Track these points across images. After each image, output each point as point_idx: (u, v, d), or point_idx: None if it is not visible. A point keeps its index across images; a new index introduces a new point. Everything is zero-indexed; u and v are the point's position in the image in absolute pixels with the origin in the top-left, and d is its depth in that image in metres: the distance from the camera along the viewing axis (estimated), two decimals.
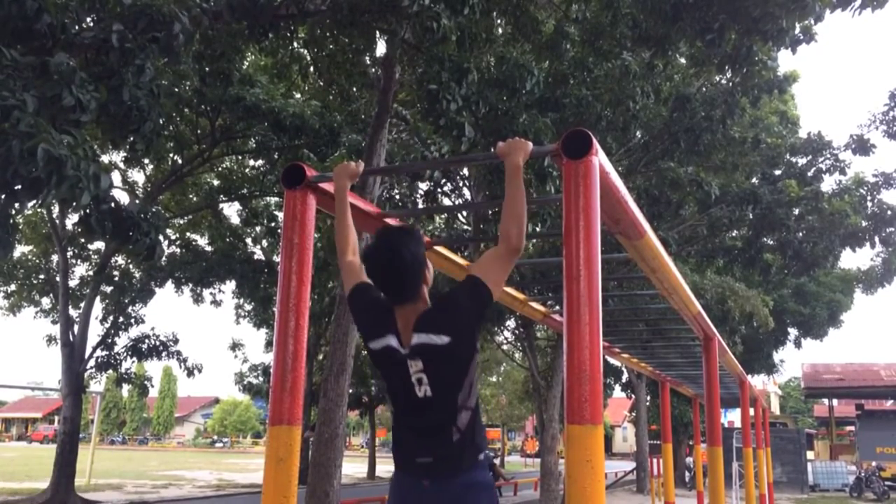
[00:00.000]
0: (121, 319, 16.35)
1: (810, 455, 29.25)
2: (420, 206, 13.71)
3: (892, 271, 18.66)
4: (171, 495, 18.21)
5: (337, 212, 2.56)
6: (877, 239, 14.36)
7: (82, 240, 16.36)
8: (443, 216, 16.53)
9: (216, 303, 19.75)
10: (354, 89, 12.84)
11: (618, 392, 29.13)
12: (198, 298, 19.11)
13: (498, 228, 2.31)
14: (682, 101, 12.31)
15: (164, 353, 16.55)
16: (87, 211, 6.74)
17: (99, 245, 16.47)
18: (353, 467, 31.55)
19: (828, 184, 15.07)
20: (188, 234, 18.95)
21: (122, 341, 16.34)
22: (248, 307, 21.48)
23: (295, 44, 11.40)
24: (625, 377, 25.34)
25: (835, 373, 29.23)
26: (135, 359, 16.66)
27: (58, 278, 16.14)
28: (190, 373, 16.92)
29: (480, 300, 2.24)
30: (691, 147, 12.45)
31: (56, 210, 15.40)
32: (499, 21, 10.97)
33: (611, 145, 11.96)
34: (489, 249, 2.37)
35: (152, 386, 19.35)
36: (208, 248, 18.70)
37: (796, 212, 14.52)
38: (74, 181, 5.17)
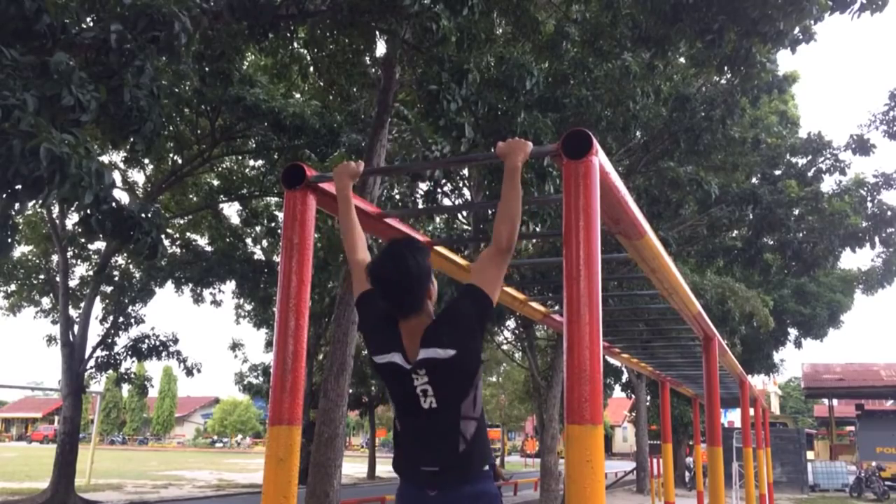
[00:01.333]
0: (121, 319, 16.36)
1: (810, 455, 29.25)
2: (420, 206, 13.71)
3: (892, 272, 18.66)
4: (171, 495, 18.21)
5: (341, 212, 2.56)
6: (877, 239, 14.35)
7: (82, 240, 16.35)
8: (443, 216, 16.54)
9: (216, 303, 19.75)
10: (354, 89, 12.84)
11: (618, 392, 29.13)
12: (198, 298, 19.11)
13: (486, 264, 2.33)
14: (681, 101, 12.31)
15: (163, 353, 16.56)
16: (88, 211, 6.74)
17: (99, 245, 16.48)
18: (353, 467, 31.55)
19: (828, 184, 15.09)
20: (188, 234, 18.95)
21: (122, 341, 16.38)
22: (248, 307, 21.48)
23: (295, 44, 11.40)
24: (625, 377, 25.35)
25: (835, 373, 29.23)
26: (135, 359, 16.67)
27: (58, 278, 16.14)
28: (190, 373, 16.94)
29: (482, 308, 2.26)
30: (691, 147, 12.45)
31: (56, 210, 15.40)
32: (499, 21, 10.98)
33: (611, 145, 11.96)
34: (483, 252, 2.38)
35: (152, 386, 19.37)
36: (208, 248, 18.69)
37: (796, 212, 14.52)
38: (77, 179, 5.17)
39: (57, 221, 15.71)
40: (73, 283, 16.86)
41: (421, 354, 2.24)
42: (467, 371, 2.25)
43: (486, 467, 2.30)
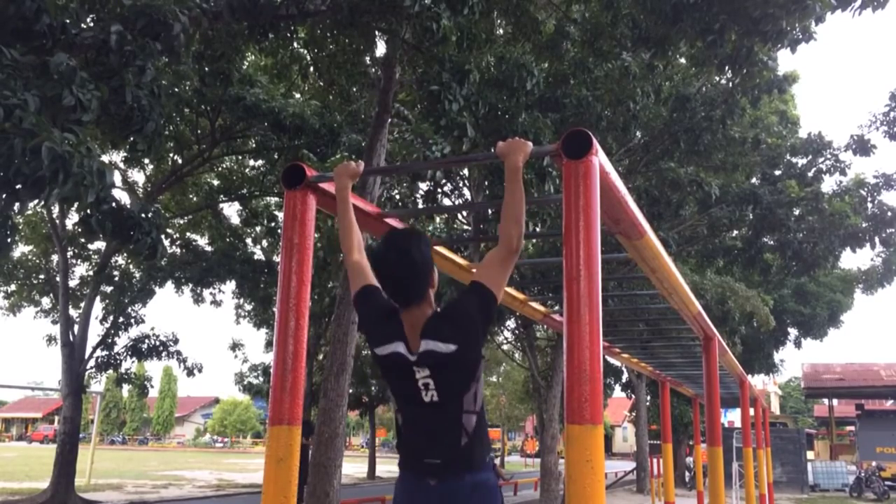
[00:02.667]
0: (121, 319, 16.34)
1: (810, 455, 29.24)
2: (420, 206, 13.71)
3: (892, 272, 18.67)
4: (171, 495, 18.21)
5: (339, 212, 2.57)
6: (877, 239, 14.36)
7: (82, 240, 16.36)
8: (443, 216, 16.53)
9: (216, 303, 19.75)
10: (354, 89, 12.84)
11: (618, 392, 29.14)
12: (198, 298, 19.11)
13: (497, 228, 2.31)
14: (682, 101, 12.31)
15: (163, 353, 16.55)
16: (89, 211, 6.74)
17: (99, 245, 16.48)
18: (353, 467, 31.54)
19: (828, 184, 15.10)
20: (188, 234, 18.94)
21: (122, 341, 16.36)
22: (248, 307, 21.47)
23: (295, 44, 11.39)
24: (625, 377, 25.35)
25: (835, 373, 29.22)
26: (135, 359, 16.66)
27: (58, 278, 16.14)
28: (190, 373, 16.93)
29: (486, 306, 2.26)
30: (691, 147, 12.46)
31: (56, 210, 15.40)
32: (499, 21, 10.98)
33: (611, 145, 11.96)
34: (490, 252, 2.38)
35: (152, 386, 19.35)
36: (208, 248, 18.69)
37: (796, 212, 14.52)
38: (79, 178, 5.17)
39: (57, 221, 15.71)
40: (73, 283, 16.87)
41: (422, 346, 2.25)
42: (468, 366, 2.26)
43: (488, 459, 2.33)
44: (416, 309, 2.31)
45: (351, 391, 16.28)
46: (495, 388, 40.38)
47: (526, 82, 8.97)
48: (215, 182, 17.88)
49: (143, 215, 7.46)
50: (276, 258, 17.01)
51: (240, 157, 17.14)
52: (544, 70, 10.18)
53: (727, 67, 9.41)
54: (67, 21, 6.12)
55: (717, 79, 12.99)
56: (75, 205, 6.99)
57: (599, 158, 2.14)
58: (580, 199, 2.05)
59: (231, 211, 24.97)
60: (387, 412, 38.76)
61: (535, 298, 5.08)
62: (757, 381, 28.78)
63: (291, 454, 2.39)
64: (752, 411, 12.09)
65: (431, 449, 2.28)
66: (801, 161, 15.28)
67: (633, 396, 24.82)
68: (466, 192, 15.27)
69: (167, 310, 46.93)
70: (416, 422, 2.32)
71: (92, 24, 6.74)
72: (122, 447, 53.95)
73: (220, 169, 17.61)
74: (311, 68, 12.26)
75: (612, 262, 10.43)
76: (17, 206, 6.03)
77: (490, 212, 12.18)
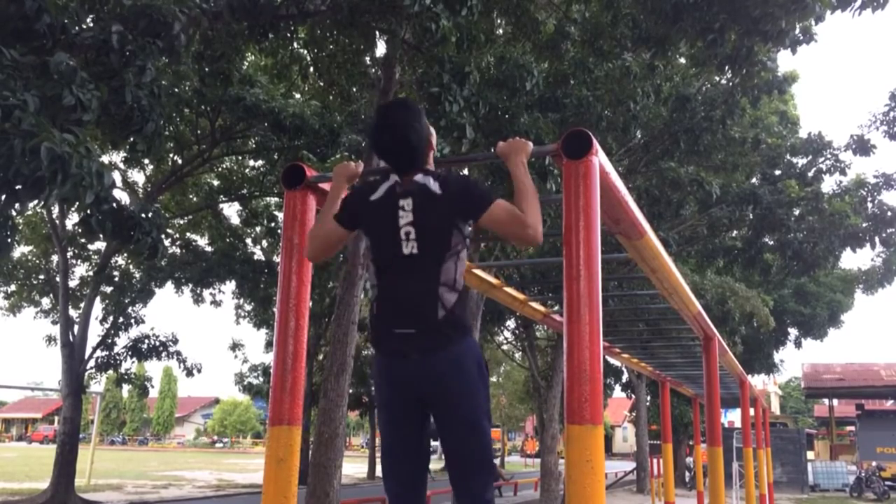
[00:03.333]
0: (121, 320, 16.33)
1: (810, 455, 29.24)
2: None
3: (892, 272, 18.66)
4: (171, 496, 18.21)
5: (325, 209, 2.48)
6: (877, 240, 14.35)
7: (82, 240, 16.35)
8: None
9: (216, 303, 19.74)
10: (354, 90, 12.83)
11: (618, 392, 29.14)
12: (198, 299, 19.10)
13: (503, 235, 2.31)
14: (682, 101, 12.31)
15: (163, 354, 16.53)
16: (89, 211, 6.74)
17: (99, 245, 16.47)
18: (353, 467, 31.54)
19: (828, 184, 15.08)
20: (188, 234, 18.94)
21: (122, 341, 16.34)
22: (248, 307, 21.46)
23: (295, 44, 11.39)
24: (625, 377, 25.35)
25: (835, 373, 29.22)
26: (135, 359, 16.64)
27: (58, 279, 16.13)
28: (190, 373, 16.92)
29: (476, 209, 2.24)
30: (691, 147, 12.45)
31: (56, 210, 15.40)
32: (499, 21, 10.97)
33: (611, 145, 11.95)
34: (516, 212, 2.23)
35: (152, 386, 19.34)
36: (208, 249, 18.69)
37: (796, 212, 14.52)
38: (78, 179, 5.17)
39: (57, 222, 15.71)
40: (73, 283, 16.86)
41: (414, 178, 2.28)
42: (449, 221, 2.25)
43: (469, 337, 2.28)
44: (417, 171, 2.34)
45: (351, 391, 16.29)
46: (495, 387, 40.37)
47: (526, 82, 8.96)
48: (215, 182, 17.87)
49: (143, 215, 7.45)
50: (276, 258, 17.00)
51: (240, 158, 17.14)
52: (544, 70, 10.18)
53: (727, 67, 9.41)
54: (67, 21, 6.12)
55: (717, 79, 12.99)
56: (75, 205, 6.98)
57: (599, 158, 2.14)
58: (580, 199, 2.05)
59: (231, 211, 25.01)
60: None
61: (535, 298, 5.09)
62: (757, 381, 28.79)
63: (291, 454, 2.39)
64: (752, 411, 12.09)
65: (405, 316, 2.22)
66: (801, 161, 15.27)
67: (633, 396, 24.83)
68: None
69: (167, 310, 46.95)
70: (393, 287, 2.26)
71: (92, 24, 6.74)
72: (122, 447, 53.95)
73: (220, 169, 17.60)
74: (311, 68, 12.26)
75: (612, 262, 10.43)
76: (16, 206, 6.03)
77: None
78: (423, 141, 2.35)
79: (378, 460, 32.06)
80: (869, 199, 14.44)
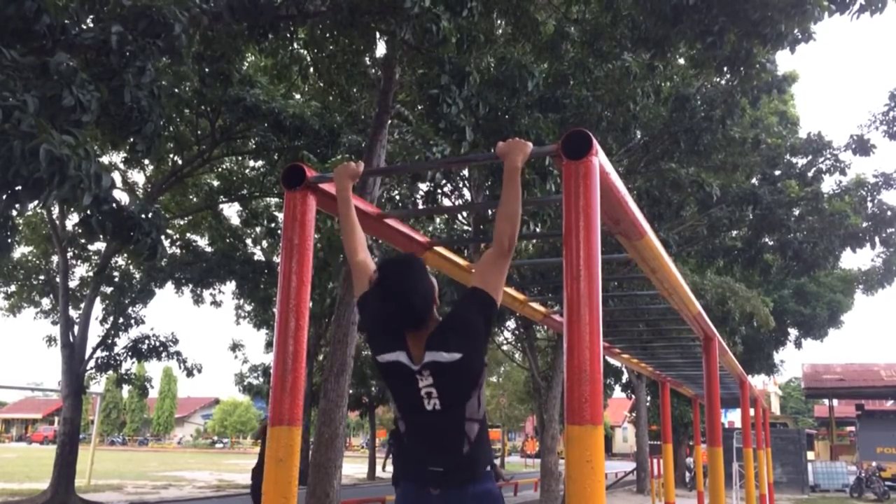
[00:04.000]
0: (121, 320, 16.34)
1: (810, 455, 29.21)
2: (420, 206, 13.70)
3: (892, 272, 18.65)
4: (171, 496, 18.20)
5: (341, 213, 2.55)
6: (877, 239, 14.35)
7: (82, 240, 16.35)
8: (443, 217, 16.52)
9: (216, 303, 19.74)
10: (354, 90, 12.84)
11: (618, 392, 29.13)
12: (198, 299, 19.10)
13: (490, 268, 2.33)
14: (681, 101, 12.31)
15: (163, 354, 16.54)
16: (88, 212, 6.74)
17: (99, 246, 16.47)
18: (353, 468, 31.53)
19: (828, 184, 15.08)
20: (188, 234, 18.94)
21: (122, 342, 16.35)
22: (248, 308, 21.47)
23: (295, 44, 11.40)
24: (625, 377, 25.34)
25: (835, 373, 29.21)
26: (135, 359, 16.65)
27: (58, 279, 16.13)
28: (190, 373, 16.92)
29: (487, 312, 2.28)
30: (691, 147, 12.45)
31: (56, 211, 15.40)
32: (499, 22, 10.97)
33: (611, 146, 11.96)
34: (485, 254, 2.38)
35: (152, 387, 19.34)
36: (208, 249, 18.69)
37: (796, 212, 14.52)
38: (76, 181, 5.17)
39: (57, 222, 15.71)
40: (73, 283, 16.86)
41: (426, 357, 2.25)
42: (472, 374, 2.26)
43: (489, 468, 2.32)
44: (423, 331, 2.32)
45: (351, 392, 16.29)
46: (495, 388, 40.37)
47: (527, 83, 8.96)
48: (215, 183, 17.87)
49: (143, 216, 7.45)
50: (276, 259, 17.01)
51: (240, 158, 17.14)
52: (544, 71, 10.18)
53: (726, 69, 9.41)
54: (67, 21, 6.12)
55: (717, 79, 12.99)
56: (75, 205, 6.97)
57: (599, 159, 2.14)
58: (580, 199, 2.05)
59: (231, 211, 25.02)
60: (387, 413, 38.74)
61: (535, 298, 5.08)
62: (757, 382, 28.77)
63: (291, 454, 2.39)
64: (752, 412, 12.09)
65: (433, 457, 2.26)
66: (801, 161, 15.26)
67: (633, 397, 24.82)
68: (466, 192, 15.26)
69: (167, 310, 46.92)
70: (419, 430, 2.31)
71: (92, 25, 6.74)
72: (122, 448, 53.94)
73: (220, 169, 17.60)
74: (311, 69, 12.27)
75: (612, 263, 10.43)
76: (16, 207, 6.03)
77: (490, 212, 12.17)
78: (428, 303, 2.34)
79: (378, 460, 32.07)
80: (869, 198, 14.45)
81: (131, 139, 7.16)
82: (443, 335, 2.27)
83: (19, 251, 17.69)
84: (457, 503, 2.25)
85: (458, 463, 2.24)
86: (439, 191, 13.78)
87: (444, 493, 2.25)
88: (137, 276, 17.04)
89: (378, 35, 10.01)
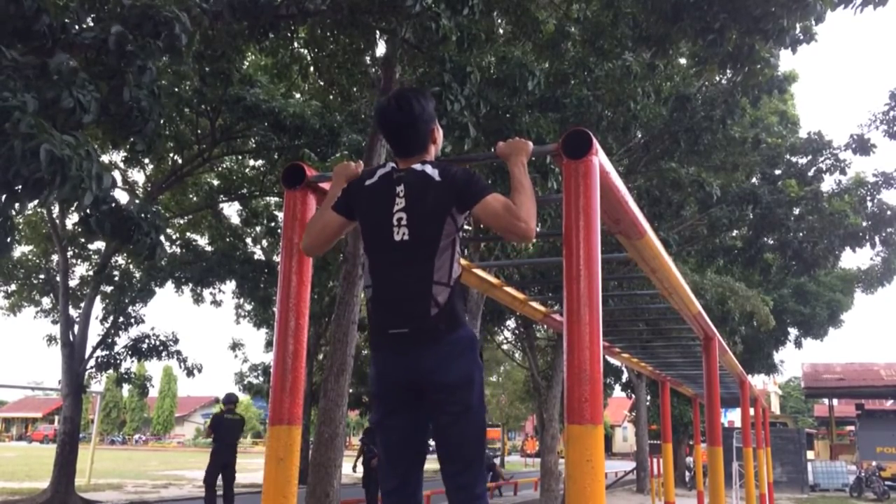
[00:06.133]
0: (121, 319, 16.33)
1: (810, 455, 29.23)
2: None
3: (892, 271, 18.65)
4: (172, 495, 18.20)
5: (323, 205, 2.49)
6: (877, 239, 14.35)
7: (82, 240, 16.35)
8: None
9: (216, 303, 19.74)
10: (355, 89, 12.83)
11: (618, 392, 29.14)
12: (198, 298, 19.10)
13: (496, 228, 2.26)
14: (682, 101, 12.31)
15: (164, 353, 16.53)
16: (88, 211, 6.74)
17: (99, 245, 16.47)
18: None
19: (828, 184, 15.08)
20: (188, 234, 18.94)
21: (122, 341, 16.33)
22: (248, 307, 21.46)
23: (295, 44, 11.40)
24: (625, 377, 25.34)
25: (835, 372, 29.22)
26: (135, 359, 16.64)
27: (58, 278, 16.12)
28: (190, 373, 16.91)
29: (480, 190, 2.22)
30: (691, 147, 12.45)
31: (56, 210, 15.40)
32: (499, 21, 10.97)
33: (611, 145, 11.96)
34: (510, 207, 2.20)
35: (152, 386, 19.34)
36: (208, 248, 18.68)
37: (796, 212, 14.52)
38: (77, 181, 5.17)
39: (57, 221, 15.70)
40: (73, 283, 16.85)
41: (411, 165, 2.31)
42: (446, 205, 2.23)
43: (462, 330, 2.27)
44: (417, 158, 2.35)
45: (351, 391, 16.28)
46: (495, 388, 40.37)
47: (527, 82, 8.96)
48: (215, 182, 17.87)
49: (142, 215, 7.45)
50: (276, 258, 17.00)
51: (240, 157, 17.14)
52: (545, 70, 10.19)
53: (728, 66, 9.41)
54: (67, 21, 6.12)
55: (718, 79, 12.99)
56: (75, 205, 6.97)
57: (599, 158, 2.14)
58: (580, 199, 2.05)
59: (231, 211, 24.97)
60: None
61: (535, 298, 5.08)
62: (757, 381, 28.78)
63: (291, 454, 2.39)
64: (752, 411, 12.09)
65: (399, 316, 2.23)
66: (800, 161, 15.26)
67: (633, 396, 24.82)
68: None
69: (167, 310, 46.89)
70: (386, 285, 2.27)
71: (92, 25, 6.74)
72: (123, 447, 53.96)
73: (220, 169, 17.60)
74: (312, 68, 12.26)
75: (612, 262, 10.43)
76: (16, 206, 6.03)
77: None
78: (427, 120, 2.37)
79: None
80: (869, 198, 14.45)
81: (131, 138, 7.16)
82: (433, 162, 2.34)
83: (19, 250, 17.69)
84: (425, 360, 2.21)
85: (425, 325, 2.20)
86: None
87: (412, 353, 2.22)
88: (137, 275, 17.04)
89: (378, 34, 10.02)
